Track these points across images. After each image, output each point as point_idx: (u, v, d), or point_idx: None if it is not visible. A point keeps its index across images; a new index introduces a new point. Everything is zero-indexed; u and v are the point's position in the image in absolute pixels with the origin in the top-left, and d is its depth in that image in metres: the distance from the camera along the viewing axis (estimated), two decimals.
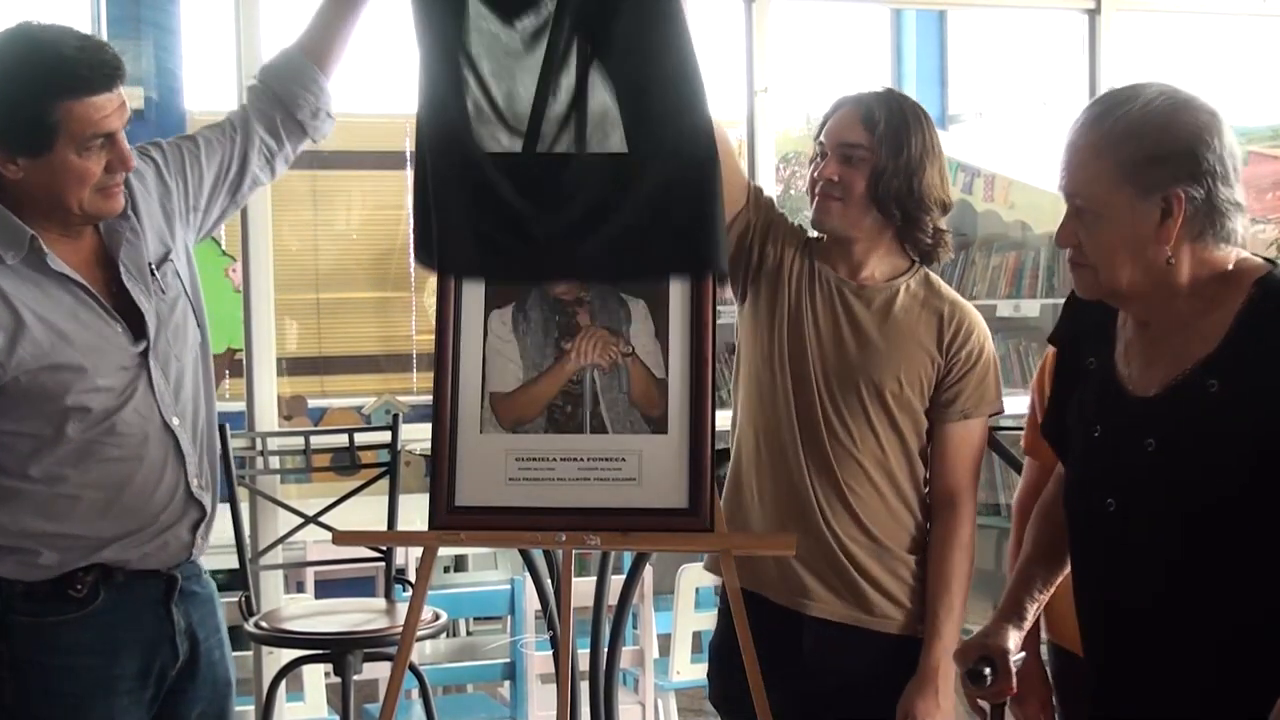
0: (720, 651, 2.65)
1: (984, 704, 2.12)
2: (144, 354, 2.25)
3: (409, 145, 6.94)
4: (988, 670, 2.06)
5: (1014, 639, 2.07)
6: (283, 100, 2.49)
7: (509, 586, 4.26)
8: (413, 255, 2.28)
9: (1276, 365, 1.78)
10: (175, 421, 2.28)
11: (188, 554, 2.33)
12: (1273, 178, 4.98)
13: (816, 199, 2.55)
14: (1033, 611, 2.11)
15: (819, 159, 2.56)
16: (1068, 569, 2.10)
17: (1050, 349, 2.51)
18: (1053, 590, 2.13)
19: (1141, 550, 1.86)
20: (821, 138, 2.56)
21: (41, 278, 2.19)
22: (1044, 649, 2.51)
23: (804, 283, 2.55)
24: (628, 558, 3.88)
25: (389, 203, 7.93)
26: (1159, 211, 1.79)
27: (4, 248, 2.16)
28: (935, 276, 2.58)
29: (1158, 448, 1.84)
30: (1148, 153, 1.79)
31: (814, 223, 2.57)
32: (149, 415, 2.25)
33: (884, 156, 2.48)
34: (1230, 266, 1.84)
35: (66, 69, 2.12)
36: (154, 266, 2.31)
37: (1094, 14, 4.67)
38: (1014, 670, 2.06)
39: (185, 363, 2.33)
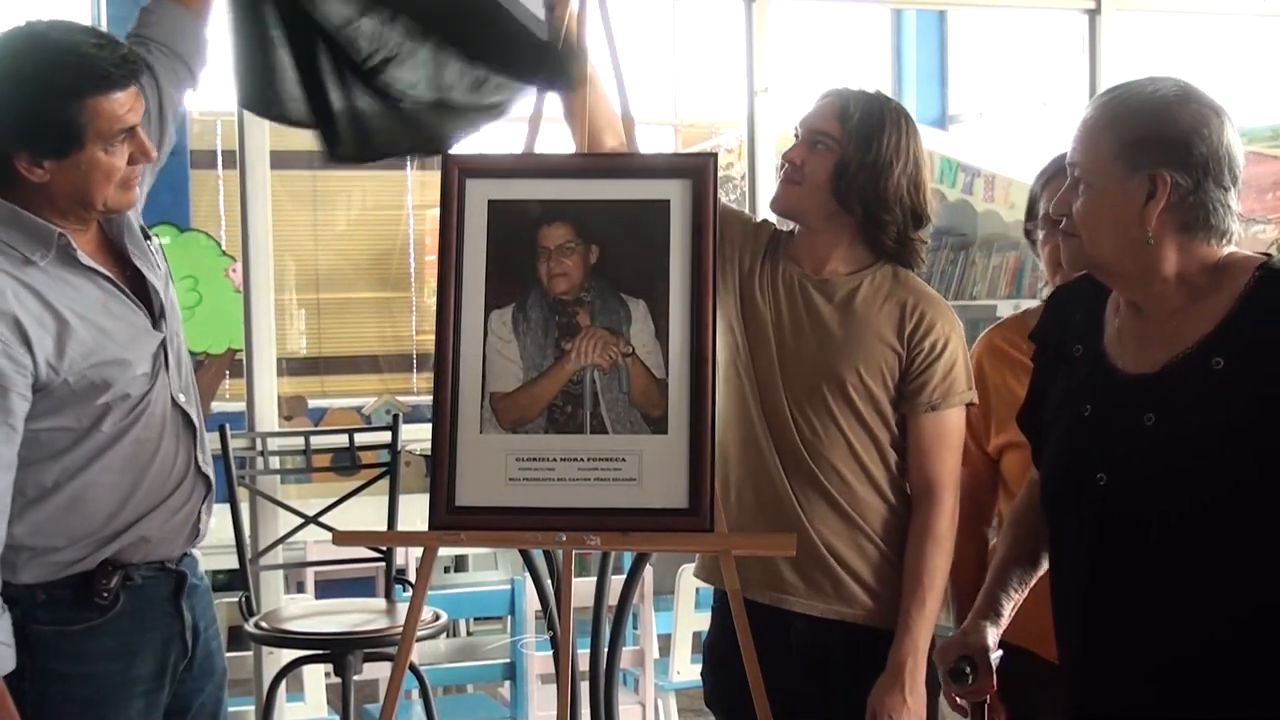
0: (714, 651, 2.65)
1: (964, 702, 2.13)
2: (163, 338, 2.26)
3: None
4: (968, 669, 2.07)
5: (993, 636, 2.09)
6: (186, 60, 2.47)
7: (509, 586, 4.26)
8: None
9: None
10: (182, 398, 2.29)
11: (196, 534, 2.34)
12: (1273, 177, 4.97)
13: (780, 182, 2.55)
14: (1009, 609, 2.12)
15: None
16: (1041, 571, 2.10)
17: (975, 355, 2.57)
18: (1028, 590, 2.13)
19: (1131, 529, 1.85)
20: (798, 124, 2.57)
21: (70, 274, 2.17)
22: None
23: (766, 279, 2.54)
24: (628, 558, 3.88)
25: (389, 203, 7.93)
26: (1144, 191, 1.82)
27: (32, 248, 2.14)
28: (906, 271, 2.56)
29: (1158, 422, 1.84)
30: (1143, 133, 1.83)
31: (771, 204, 2.57)
32: (164, 396, 2.26)
33: (850, 150, 2.47)
34: (1221, 259, 1.86)
35: (92, 67, 2.10)
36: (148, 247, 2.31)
37: (1094, 14, 4.67)
38: (994, 667, 2.08)
39: (181, 339, 2.34)
